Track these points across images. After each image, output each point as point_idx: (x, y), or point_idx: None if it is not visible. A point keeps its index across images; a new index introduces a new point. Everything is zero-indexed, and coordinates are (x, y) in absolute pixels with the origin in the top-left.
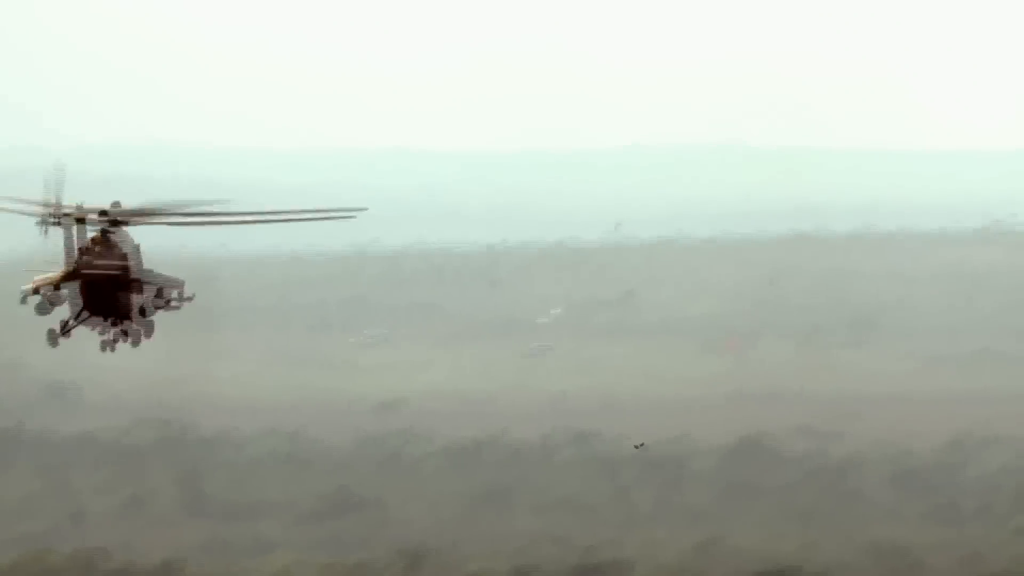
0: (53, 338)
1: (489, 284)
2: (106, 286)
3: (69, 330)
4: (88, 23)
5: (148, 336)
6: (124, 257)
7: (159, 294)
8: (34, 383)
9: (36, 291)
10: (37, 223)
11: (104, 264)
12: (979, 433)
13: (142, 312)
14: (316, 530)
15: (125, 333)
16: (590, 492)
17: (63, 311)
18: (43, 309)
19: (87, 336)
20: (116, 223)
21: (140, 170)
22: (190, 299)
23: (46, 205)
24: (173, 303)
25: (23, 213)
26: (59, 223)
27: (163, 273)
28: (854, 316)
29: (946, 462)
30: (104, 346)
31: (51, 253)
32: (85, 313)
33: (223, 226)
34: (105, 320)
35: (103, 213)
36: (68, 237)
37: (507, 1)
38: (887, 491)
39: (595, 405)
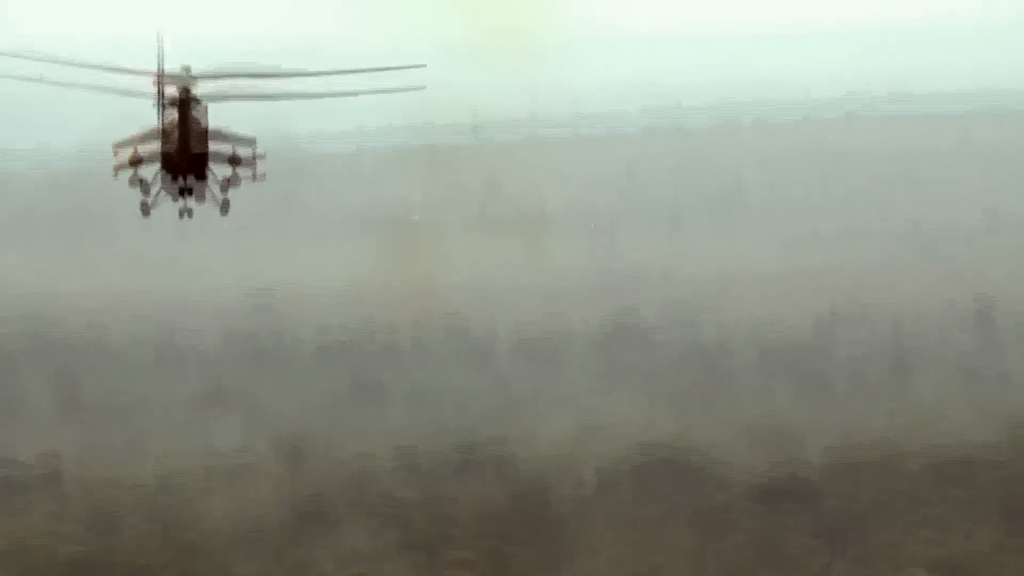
0: (145, 209)
1: (351, 181)
2: (190, 155)
3: (152, 205)
4: None
5: (225, 212)
6: (204, 130)
7: (233, 155)
8: None
9: (129, 164)
10: (154, 104)
11: (191, 135)
12: (847, 309)
13: (235, 161)
14: (193, 427)
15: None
16: (464, 381)
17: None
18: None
19: None
20: (192, 98)
21: None
22: (262, 156)
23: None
24: (247, 162)
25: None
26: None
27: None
28: (714, 200)
29: (816, 341)
30: (181, 213)
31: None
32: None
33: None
34: (181, 190)
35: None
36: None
37: None
38: (759, 371)
39: (464, 295)
